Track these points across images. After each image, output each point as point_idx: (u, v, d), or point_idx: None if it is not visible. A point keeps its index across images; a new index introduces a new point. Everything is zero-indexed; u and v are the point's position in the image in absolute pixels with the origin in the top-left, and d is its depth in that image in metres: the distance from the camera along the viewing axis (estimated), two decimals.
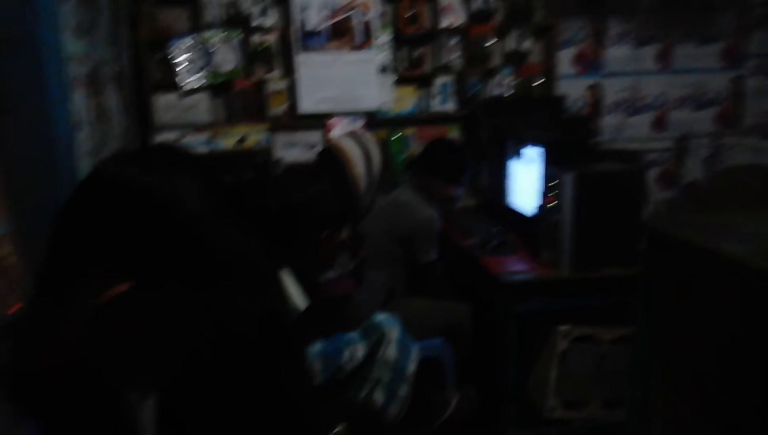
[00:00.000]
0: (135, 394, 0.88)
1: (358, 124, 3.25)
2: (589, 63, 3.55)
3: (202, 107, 3.16)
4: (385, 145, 3.20)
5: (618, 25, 3.54)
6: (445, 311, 2.51)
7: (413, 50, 3.34)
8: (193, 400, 0.90)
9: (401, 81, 3.33)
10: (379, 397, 1.83)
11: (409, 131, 3.36)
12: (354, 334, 1.89)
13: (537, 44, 3.43)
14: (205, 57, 3.09)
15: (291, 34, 3.16)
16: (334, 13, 3.17)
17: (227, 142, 3.16)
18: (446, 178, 2.64)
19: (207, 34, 3.08)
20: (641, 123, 3.65)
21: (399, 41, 3.29)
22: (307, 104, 3.21)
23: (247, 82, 3.18)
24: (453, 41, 3.31)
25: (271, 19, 3.15)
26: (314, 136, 3.26)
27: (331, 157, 2.20)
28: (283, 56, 3.20)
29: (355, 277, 2.11)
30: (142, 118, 3.03)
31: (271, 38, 3.17)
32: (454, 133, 3.38)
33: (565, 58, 3.50)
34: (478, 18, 3.31)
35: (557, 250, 2.25)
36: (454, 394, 2.41)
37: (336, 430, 1.61)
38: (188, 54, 3.08)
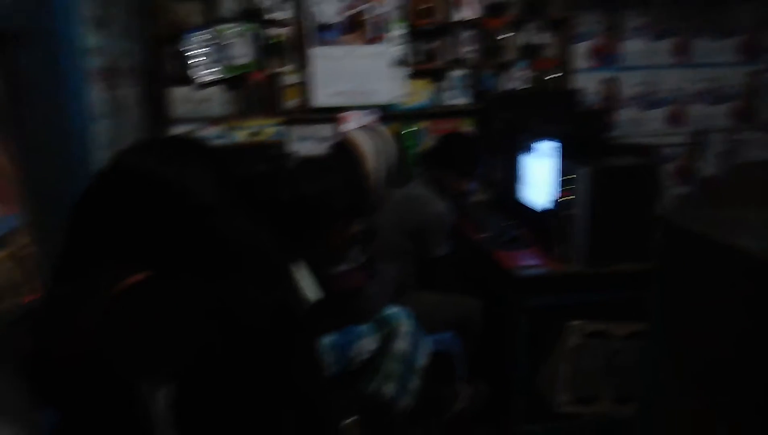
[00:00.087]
0: (148, 383, 0.89)
1: (372, 118, 3.25)
2: (604, 57, 3.52)
3: (217, 100, 3.18)
4: (398, 138, 3.20)
5: (634, 18, 3.50)
6: (455, 305, 2.51)
7: (427, 44, 3.32)
8: (205, 391, 0.92)
9: (415, 74, 3.31)
10: (389, 389, 1.83)
11: (423, 125, 3.35)
12: (365, 327, 1.90)
13: (552, 37, 3.40)
14: (219, 50, 3.11)
15: (305, 27, 3.17)
16: (348, 6, 3.17)
17: (241, 135, 3.17)
18: (459, 172, 2.64)
19: (221, 27, 3.10)
20: (657, 117, 3.61)
21: (413, 35, 3.27)
22: (321, 98, 3.22)
23: (261, 75, 3.19)
24: (467, 34, 3.30)
25: (285, 13, 3.16)
26: (327, 130, 3.26)
27: (344, 150, 2.21)
28: (297, 50, 3.21)
29: (366, 270, 2.11)
30: (157, 111, 3.06)
31: (284, 32, 3.18)
32: (467, 127, 3.36)
33: (580, 52, 3.47)
34: (492, 11, 3.29)
35: (570, 244, 2.24)
36: (464, 388, 2.42)
37: (346, 422, 1.62)
38: (203, 47, 3.10)
